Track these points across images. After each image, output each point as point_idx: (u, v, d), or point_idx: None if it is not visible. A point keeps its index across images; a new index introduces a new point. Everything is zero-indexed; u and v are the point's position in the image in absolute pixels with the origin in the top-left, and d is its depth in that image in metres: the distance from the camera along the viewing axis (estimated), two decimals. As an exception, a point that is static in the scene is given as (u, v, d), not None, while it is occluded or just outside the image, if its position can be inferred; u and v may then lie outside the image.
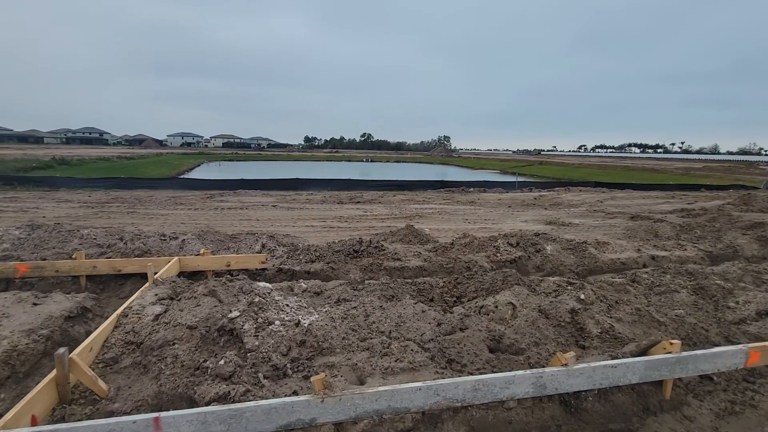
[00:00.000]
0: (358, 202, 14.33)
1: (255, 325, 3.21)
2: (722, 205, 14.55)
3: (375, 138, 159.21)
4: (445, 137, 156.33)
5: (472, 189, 19.11)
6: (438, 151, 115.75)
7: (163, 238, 6.22)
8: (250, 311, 3.35)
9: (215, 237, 6.52)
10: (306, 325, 3.27)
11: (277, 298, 3.88)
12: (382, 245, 6.72)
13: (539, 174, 42.31)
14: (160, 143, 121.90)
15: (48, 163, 26.39)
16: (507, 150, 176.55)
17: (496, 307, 3.90)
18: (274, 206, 12.23)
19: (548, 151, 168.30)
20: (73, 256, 4.99)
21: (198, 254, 5.44)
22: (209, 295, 3.60)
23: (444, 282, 4.86)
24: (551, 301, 4.15)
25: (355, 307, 3.80)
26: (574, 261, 7.06)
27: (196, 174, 38.23)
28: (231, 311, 3.24)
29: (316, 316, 3.49)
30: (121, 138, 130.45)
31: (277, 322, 3.29)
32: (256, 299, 3.50)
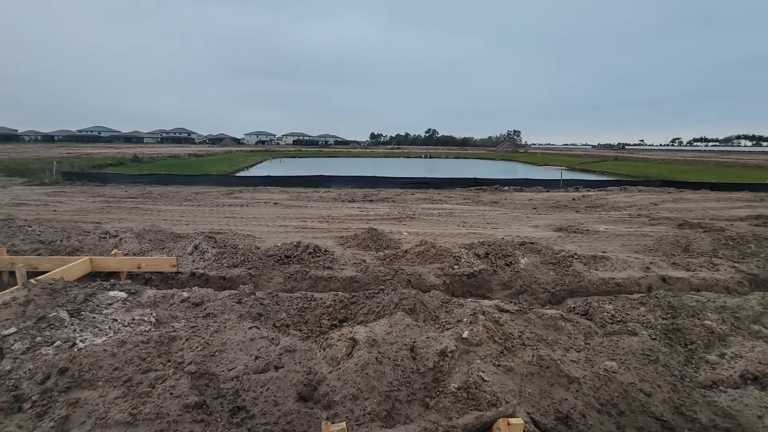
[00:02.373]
0: (371, 201, 13.75)
1: (28, 345, 2.84)
2: (819, 212, 11.47)
3: (440, 134, 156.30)
4: (515, 132, 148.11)
5: (507, 188, 17.47)
6: (504, 146, 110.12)
7: (103, 236, 6.26)
8: (36, 327, 3.00)
9: (156, 236, 6.42)
10: (77, 349, 2.82)
11: (107, 311, 3.51)
12: (321, 251, 6.11)
13: (610, 171, 37.90)
14: (238, 141, 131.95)
15: (121, 160, 29.60)
16: (586, 144, 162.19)
17: (339, 340, 3.12)
18: (276, 204, 12.15)
19: (634, 145, 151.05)
20: (-6, 253, 5.12)
21: (111, 255, 5.31)
22: (24, 305, 3.33)
23: (334, 300, 4.13)
24: (427, 338, 3.26)
25: (175, 329, 3.28)
26: (552, 279, 5.82)
27: (256, 170, 40.44)
28: (9, 327, 2.91)
29: (103, 339, 3.04)
30: (206, 137, 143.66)
31: (58, 343, 2.89)
32: (52, 314, 3.15)
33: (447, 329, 3.45)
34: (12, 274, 5.17)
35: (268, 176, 19.25)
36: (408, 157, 73.75)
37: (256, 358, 2.97)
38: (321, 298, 4.29)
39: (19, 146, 63.69)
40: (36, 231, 6.14)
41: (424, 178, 19.42)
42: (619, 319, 3.94)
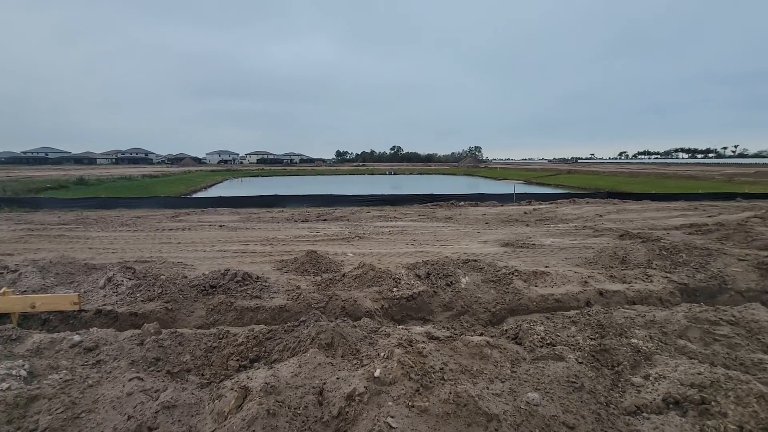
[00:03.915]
0: (324, 220, 13.38)
1: None
2: (747, 218, 12.24)
3: (405, 150, 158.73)
4: (476, 148, 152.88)
5: (462, 203, 17.62)
6: (466, 161, 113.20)
7: (0, 272, 5.54)
8: None
9: (65, 269, 5.77)
10: None
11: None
12: (251, 278, 5.68)
13: (563, 183, 39.56)
14: (199, 161, 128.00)
15: (64, 183, 27.65)
16: (543, 159, 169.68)
17: (231, 389, 2.74)
18: (221, 226, 11.53)
19: (586, 158, 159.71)
20: None
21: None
22: None
23: (247, 337, 3.74)
24: (338, 379, 2.94)
25: (42, 386, 2.79)
26: (493, 297, 5.68)
27: (214, 191, 39.15)
28: None
29: None
30: (165, 157, 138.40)
31: None
32: None
33: (363, 366, 3.15)
34: None
35: (220, 197, 18.46)
36: (372, 174, 74.13)
37: (129, 418, 2.54)
38: (235, 335, 3.87)
39: (-51, 170, 58.49)
40: None
41: (382, 195, 19.30)
42: (548, 342, 3.79)
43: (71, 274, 5.75)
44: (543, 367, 3.30)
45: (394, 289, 5.69)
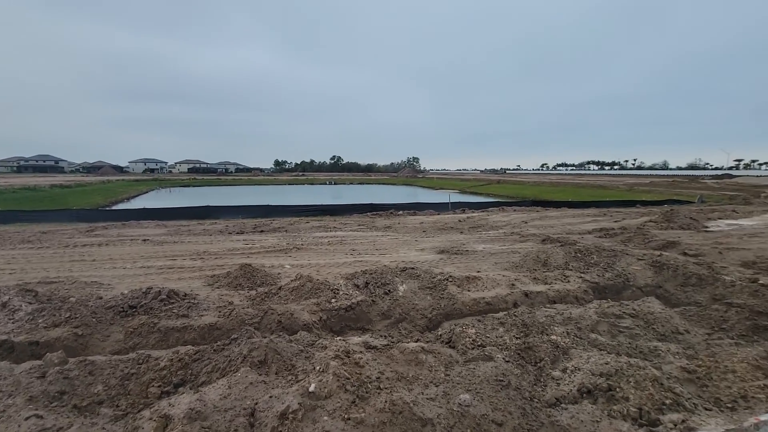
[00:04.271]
0: (261, 231, 12.91)
1: None
2: (644, 223, 13.93)
3: (345, 160, 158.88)
4: (414, 158, 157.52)
5: (401, 212, 18.01)
6: (405, 172, 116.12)
7: None
8: None
9: (-55, 295, 4.94)
10: None
11: None
12: (178, 296, 5.30)
13: (493, 193, 42.10)
14: (121, 170, 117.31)
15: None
16: (475, 169, 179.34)
17: (149, 419, 2.53)
18: (145, 240, 10.64)
19: (513, 169, 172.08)
20: None
21: None
22: None
23: (171, 360, 3.47)
24: (271, 397, 2.83)
25: None
26: (429, 303, 5.84)
27: (139, 202, 36.09)
28: None
29: None
30: (80, 165, 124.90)
31: None
32: None
33: (298, 381, 3.07)
34: None
35: (145, 209, 17.05)
36: (312, 184, 73.15)
37: (25, 462, 2.23)
38: (157, 358, 3.58)
39: None
40: None
41: (322, 205, 19.11)
42: (479, 343, 3.99)
43: (-46, 300, 4.94)
44: (474, 368, 3.46)
45: (333, 300, 5.64)
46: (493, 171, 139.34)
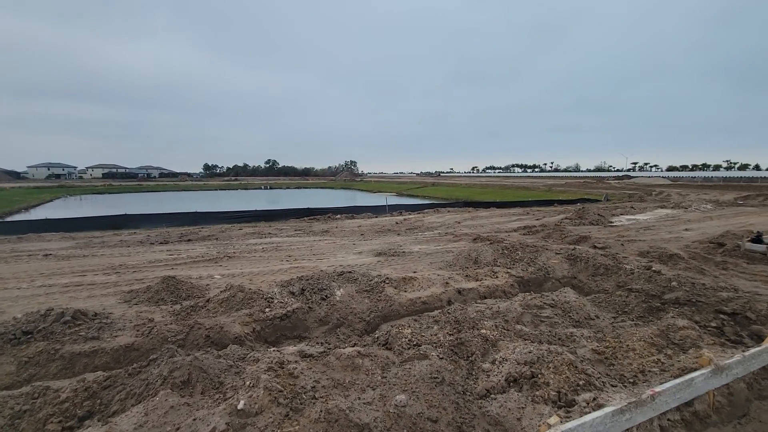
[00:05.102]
0: (188, 240, 12.03)
1: None
2: (561, 220, 15.27)
3: (281, 164, 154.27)
4: (351, 162, 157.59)
5: (339, 216, 17.89)
6: (343, 175, 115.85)
7: None
8: None
9: None
10: None
11: None
12: (86, 316, 4.74)
13: (429, 195, 43.55)
14: (17, 175, 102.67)
15: None
16: (411, 172, 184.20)
17: (46, 461, 2.22)
18: (47, 255, 9.39)
19: (447, 172, 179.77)
20: None
21: None
22: None
23: (75, 390, 3.08)
24: (194, 420, 2.62)
25: None
26: (367, 306, 5.83)
27: (41, 211, 31.84)
28: None
29: None
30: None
31: None
32: None
33: (226, 400, 2.88)
34: None
35: (47, 219, 15.06)
36: (246, 189, 70.03)
37: None
38: (57, 390, 3.15)
39: None
40: None
41: (256, 210, 18.33)
42: (415, 343, 4.06)
43: None
44: (410, 368, 3.51)
45: (267, 310, 5.40)
46: (429, 174, 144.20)
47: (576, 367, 3.35)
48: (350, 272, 6.83)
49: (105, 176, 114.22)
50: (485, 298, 6.28)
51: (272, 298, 5.66)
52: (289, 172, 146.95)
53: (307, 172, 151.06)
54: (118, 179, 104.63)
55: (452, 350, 3.93)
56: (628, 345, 3.92)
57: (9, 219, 22.97)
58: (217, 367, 3.36)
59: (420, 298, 6.11)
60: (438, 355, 3.79)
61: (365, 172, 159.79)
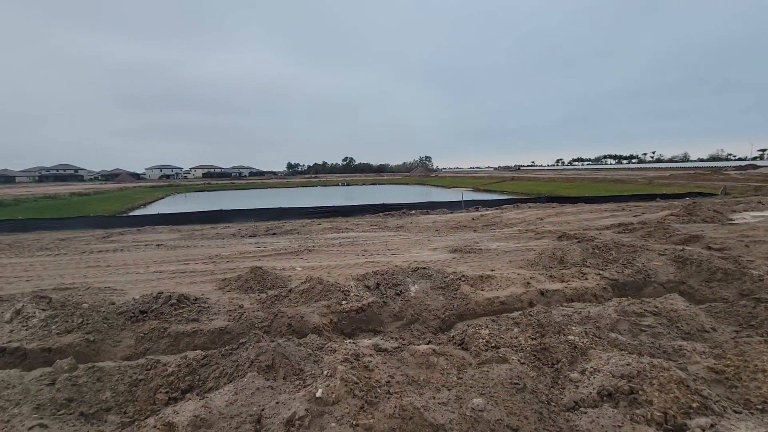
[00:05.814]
0: (273, 234, 12.95)
1: None
2: (665, 217, 13.50)
3: (357, 161, 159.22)
4: (426, 157, 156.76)
5: (414, 211, 17.87)
6: (417, 171, 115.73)
7: None
8: None
9: (-36, 303, 5.04)
10: None
11: None
12: (188, 300, 5.30)
13: (507, 190, 41.57)
14: (138, 176, 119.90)
15: (-28, 205, 24.58)
16: (489, 167, 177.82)
17: (154, 427, 2.48)
18: (159, 245, 10.76)
19: (527, 166, 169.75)
20: None
21: None
22: None
23: (179, 366, 3.44)
24: (277, 403, 2.76)
25: None
26: (442, 304, 5.72)
27: (155, 207, 36.73)
28: None
29: None
30: (98, 173, 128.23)
31: None
32: None
33: (306, 387, 2.99)
34: None
35: (159, 214, 17.30)
36: (325, 186, 73.43)
37: (29, 472, 2.20)
38: (166, 364, 3.55)
39: None
40: None
41: (333, 206, 19.11)
42: (493, 345, 3.85)
43: (-28, 308, 5.03)
44: (488, 371, 3.33)
45: (343, 302, 5.56)
46: (507, 168, 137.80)
47: (687, 385, 2.89)
48: (425, 268, 6.75)
49: (204, 176, 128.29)
50: (572, 301, 5.77)
51: (349, 291, 5.80)
52: (365, 168, 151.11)
53: (382, 169, 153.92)
54: (215, 178, 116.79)
55: (535, 356, 3.65)
56: (756, 365, 3.28)
57: (131, 213, 26.84)
58: (297, 355, 3.52)
59: (498, 297, 5.81)
60: (519, 360, 3.54)
61: (440, 167, 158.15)
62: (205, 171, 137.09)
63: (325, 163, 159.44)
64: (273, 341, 3.61)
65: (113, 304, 5.40)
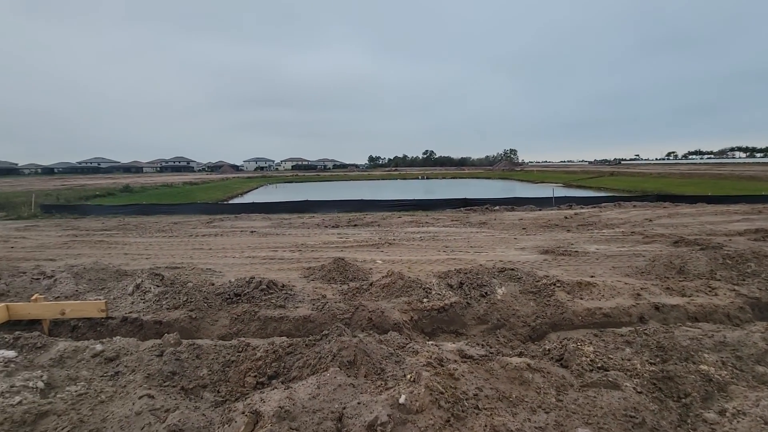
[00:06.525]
0: (354, 226, 13.23)
1: None
2: (823, 224, 10.91)
3: (438, 154, 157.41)
4: (511, 150, 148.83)
5: (498, 207, 16.97)
6: (501, 165, 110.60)
7: (37, 277, 5.71)
8: None
9: (98, 275, 5.87)
10: None
11: (-22, 377, 2.92)
12: (276, 287, 5.53)
13: (606, 186, 37.58)
14: (237, 168, 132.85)
15: (112, 190, 29.29)
16: (583, 161, 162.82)
17: (242, 413, 2.51)
18: (253, 232, 11.62)
19: (630, 160, 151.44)
20: None
21: (31, 300, 4.74)
22: None
23: (266, 351, 3.54)
24: (359, 404, 2.65)
25: (53, 401, 2.70)
26: (532, 310, 5.22)
27: (250, 197, 40.28)
28: None
29: None
30: (205, 165, 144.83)
31: None
32: None
33: (388, 389, 2.85)
34: None
35: (253, 203, 18.80)
36: (405, 179, 73.86)
37: (135, 440, 2.37)
38: (255, 348, 3.69)
39: (16, 179, 63.81)
40: (-36, 274, 5.60)
41: (414, 200, 18.97)
42: (599, 365, 3.33)
43: (103, 280, 5.83)
44: (594, 397, 2.86)
45: (425, 300, 5.36)
46: (605, 162, 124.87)
47: None
48: (512, 269, 6.24)
49: (293, 168, 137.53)
50: (696, 320, 4.86)
51: (430, 289, 5.58)
52: (445, 162, 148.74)
53: (463, 162, 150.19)
54: (302, 170, 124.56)
55: (655, 385, 3.06)
56: None
57: (230, 202, 29.66)
58: (378, 353, 3.39)
59: (600, 308, 5.12)
60: (634, 388, 3.00)
61: (526, 161, 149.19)
62: (294, 163, 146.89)
63: (405, 156, 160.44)
64: (355, 336, 3.54)
65: (212, 285, 5.86)
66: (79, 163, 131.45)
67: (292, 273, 6.91)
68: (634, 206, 16.20)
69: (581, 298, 5.35)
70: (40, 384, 3.09)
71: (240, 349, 3.70)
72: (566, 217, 13.79)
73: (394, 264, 7.51)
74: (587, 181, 44.50)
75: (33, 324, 4.70)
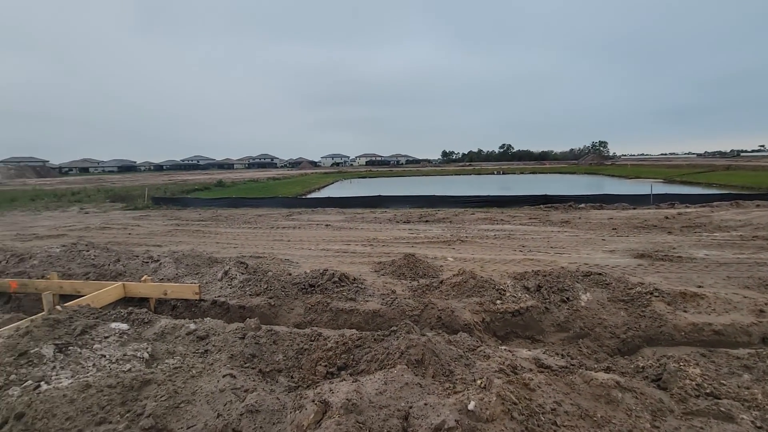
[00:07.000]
0: (426, 221, 13.13)
1: (1, 383, 2.77)
2: None
3: (515, 148, 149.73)
4: (600, 143, 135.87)
5: (583, 205, 15.61)
6: (588, 159, 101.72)
7: (146, 261, 6.52)
8: (14, 364, 2.94)
9: (193, 261, 6.52)
10: (37, 393, 2.66)
11: (99, 346, 3.40)
12: (348, 280, 5.67)
13: (719, 182, 32.55)
14: (315, 164, 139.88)
15: (207, 185, 32.63)
16: (689, 153, 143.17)
17: (312, 401, 2.57)
18: (327, 225, 12.10)
19: (752, 151, 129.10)
20: (48, 277, 5.52)
21: (141, 281, 5.42)
22: (21, 336, 3.33)
23: (336, 342, 3.62)
24: (425, 405, 2.58)
25: (154, 371, 3.03)
26: (623, 321, 4.70)
27: (327, 191, 42.12)
28: (-9, 362, 2.88)
29: (69, 381, 2.84)
30: (287, 161, 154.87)
31: (29, 383, 2.79)
32: (33, 350, 3.08)
33: (456, 393, 2.73)
34: (61, 297, 5.51)
35: (329, 197, 19.59)
36: (479, 174, 71.54)
37: (218, 415, 2.57)
38: (326, 338, 3.80)
39: (134, 175, 74.39)
40: (92, 255, 6.62)
41: (488, 196, 18.24)
42: (708, 392, 2.85)
43: (198, 266, 6.48)
44: (701, 428, 2.46)
45: (498, 302, 5.10)
46: (720, 154, 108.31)
47: None
48: (600, 274, 5.66)
49: (367, 163, 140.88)
50: None
51: (504, 290, 5.29)
52: (524, 156, 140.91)
53: (543, 156, 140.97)
54: (376, 166, 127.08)
55: (785, 422, 2.53)
56: None
57: (308, 196, 31.26)
58: (447, 354, 3.28)
59: (710, 324, 4.42)
60: (753, 422, 2.52)
61: (617, 154, 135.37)
62: (368, 159, 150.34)
63: (480, 151, 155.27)
64: (424, 335, 3.47)
65: (290, 274, 6.19)
66: (182, 160, 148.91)
67: (363, 267, 7.03)
68: (758, 206, 13.79)
69: (685, 311, 4.67)
70: (146, 355, 3.50)
71: (312, 338, 3.84)
72: (667, 217, 12.21)
73: (465, 262, 7.28)
74: (695, 176, 38.96)
75: (142, 301, 5.38)
